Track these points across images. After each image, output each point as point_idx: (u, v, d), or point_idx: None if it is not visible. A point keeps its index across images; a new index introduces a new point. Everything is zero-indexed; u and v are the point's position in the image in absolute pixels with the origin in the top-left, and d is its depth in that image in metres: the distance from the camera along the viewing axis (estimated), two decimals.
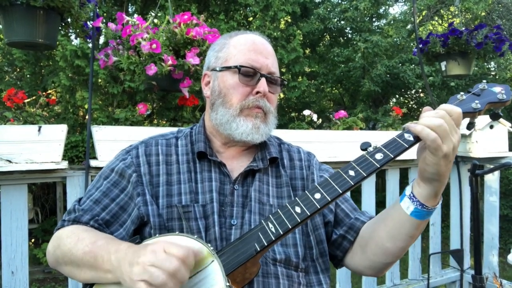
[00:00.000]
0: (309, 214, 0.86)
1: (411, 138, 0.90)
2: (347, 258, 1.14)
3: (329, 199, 0.86)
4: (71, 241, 0.96)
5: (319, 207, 0.86)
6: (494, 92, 1.00)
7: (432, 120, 0.85)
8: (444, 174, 0.87)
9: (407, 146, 0.89)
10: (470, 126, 1.04)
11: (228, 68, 1.11)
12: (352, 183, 0.86)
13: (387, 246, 1.00)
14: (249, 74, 1.09)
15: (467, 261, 3.04)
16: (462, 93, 1.01)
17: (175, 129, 1.25)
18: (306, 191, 0.90)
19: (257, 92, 1.08)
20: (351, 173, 0.88)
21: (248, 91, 1.09)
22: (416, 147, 0.92)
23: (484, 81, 1.05)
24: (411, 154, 0.98)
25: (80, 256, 0.92)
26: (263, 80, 1.09)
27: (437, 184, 0.89)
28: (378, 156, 0.87)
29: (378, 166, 0.87)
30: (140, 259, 0.76)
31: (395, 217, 0.96)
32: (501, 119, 2.82)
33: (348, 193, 2.44)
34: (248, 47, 1.11)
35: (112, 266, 0.83)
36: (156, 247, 0.77)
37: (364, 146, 0.91)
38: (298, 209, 0.87)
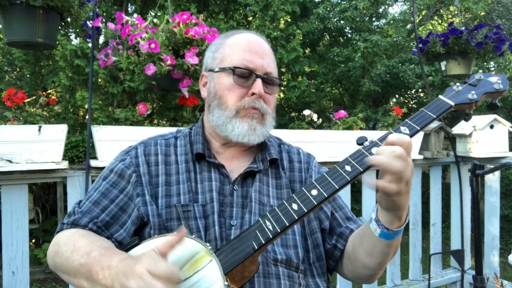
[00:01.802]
0: (306, 211, 0.86)
1: (407, 132, 0.90)
2: (338, 268, 1.16)
3: (326, 195, 0.86)
4: (68, 249, 0.96)
5: (316, 203, 0.86)
6: (491, 82, 0.99)
7: (392, 163, 0.80)
8: (400, 205, 0.86)
9: None
10: (467, 117, 1.04)
11: (223, 69, 1.09)
12: (349, 179, 0.86)
13: (366, 262, 1.02)
14: (244, 75, 1.07)
15: (468, 261, 3.03)
16: (458, 84, 1.00)
17: (174, 129, 1.24)
18: (302, 187, 0.89)
19: (253, 94, 1.07)
20: (348, 168, 0.87)
21: (243, 92, 1.07)
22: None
23: (480, 71, 1.04)
24: None
25: (76, 267, 0.92)
26: (258, 81, 1.07)
27: (397, 212, 0.88)
28: (375, 150, 0.86)
29: None
30: (129, 284, 0.76)
31: (368, 236, 0.98)
32: (501, 119, 2.82)
33: (348, 199, 2.45)
34: (243, 47, 1.09)
35: (108, 284, 0.84)
36: (141, 269, 0.76)
37: (360, 141, 0.91)
38: (295, 206, 0.87)
